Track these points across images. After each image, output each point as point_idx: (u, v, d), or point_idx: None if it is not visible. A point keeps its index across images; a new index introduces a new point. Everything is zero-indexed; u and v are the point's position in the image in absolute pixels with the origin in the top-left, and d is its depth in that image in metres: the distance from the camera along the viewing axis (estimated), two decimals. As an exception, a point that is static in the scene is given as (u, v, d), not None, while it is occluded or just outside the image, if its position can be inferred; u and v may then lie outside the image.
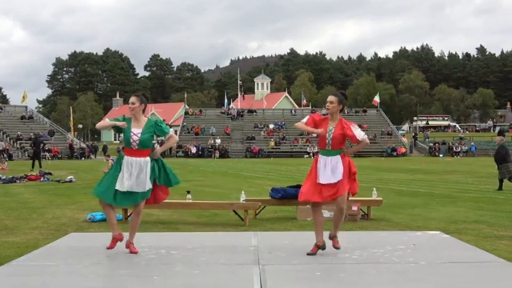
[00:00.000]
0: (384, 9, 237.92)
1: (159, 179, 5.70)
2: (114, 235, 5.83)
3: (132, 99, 5.71)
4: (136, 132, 5.60)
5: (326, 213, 9.09)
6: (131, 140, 5.60)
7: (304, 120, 5.92)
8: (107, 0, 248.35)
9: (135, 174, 5.56)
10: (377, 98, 59.33)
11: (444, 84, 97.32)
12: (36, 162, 26.40)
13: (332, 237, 5.88)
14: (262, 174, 23.04)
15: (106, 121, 5.94)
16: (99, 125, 5.90)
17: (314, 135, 5.94)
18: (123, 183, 5.56)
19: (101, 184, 5.69)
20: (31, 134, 40.12)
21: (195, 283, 4.65)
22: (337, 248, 5.78)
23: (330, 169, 5.63)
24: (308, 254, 5.72)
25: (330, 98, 5.82)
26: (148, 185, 5.61)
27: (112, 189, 5.59)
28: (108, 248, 5.81)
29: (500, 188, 15.05)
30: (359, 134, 5.76)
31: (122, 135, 5.74)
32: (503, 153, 15.09)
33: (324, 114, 6.14)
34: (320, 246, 5.76)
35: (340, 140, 5.71)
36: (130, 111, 5.69)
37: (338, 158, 5.67)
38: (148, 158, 5.63)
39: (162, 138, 5.94)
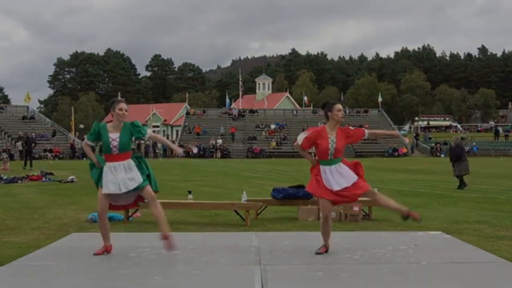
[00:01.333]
0: (386, 9, 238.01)
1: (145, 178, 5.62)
2: (105, 244, 5.81)
3: (125, 106, 5.66)
4: (114, 137, 5.57)
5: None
6: (111, 146, 5.56)
7: (300, 140, 5.82)
8: (108, 1, 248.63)
9: (122, 174, 5.51)
10: (380, 98, 59.73)
11: (446, 84, 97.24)
12: (28, 161, 26.78)
13: (408, 212, 5.76)
14: (263, 174, 23.03)
15: (90, 152, 5.85)
16: (86, 150, 5.93)
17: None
18: (109, 187, 5.53)
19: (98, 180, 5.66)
20: (23, 133, 40.16)
21: (196, 283, 4.65)
22: (418, 220, 5.80)
23: (338, 175, 5.63)
24: (317, 253, 5.77)
25: (340, 106, 5.83)
26: (139, 179, 5.52)
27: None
28: (95, 254, 5.72)
29: (464, 184, 15.38)
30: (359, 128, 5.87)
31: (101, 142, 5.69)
32: (458, 152, 15.68)
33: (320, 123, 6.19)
34: (327, 248, 5.83)
35: (342, 149, 5.75)
36: (122, 118, 5.61)
37: (340, 163, 5.70)
38: (130, 160, 5.61)
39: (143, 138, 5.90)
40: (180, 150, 6.18)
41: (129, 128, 5.65)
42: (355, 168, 5.76)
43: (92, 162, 5.74)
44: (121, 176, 5.50)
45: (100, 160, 5.69)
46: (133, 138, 5.75)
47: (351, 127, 5.95)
